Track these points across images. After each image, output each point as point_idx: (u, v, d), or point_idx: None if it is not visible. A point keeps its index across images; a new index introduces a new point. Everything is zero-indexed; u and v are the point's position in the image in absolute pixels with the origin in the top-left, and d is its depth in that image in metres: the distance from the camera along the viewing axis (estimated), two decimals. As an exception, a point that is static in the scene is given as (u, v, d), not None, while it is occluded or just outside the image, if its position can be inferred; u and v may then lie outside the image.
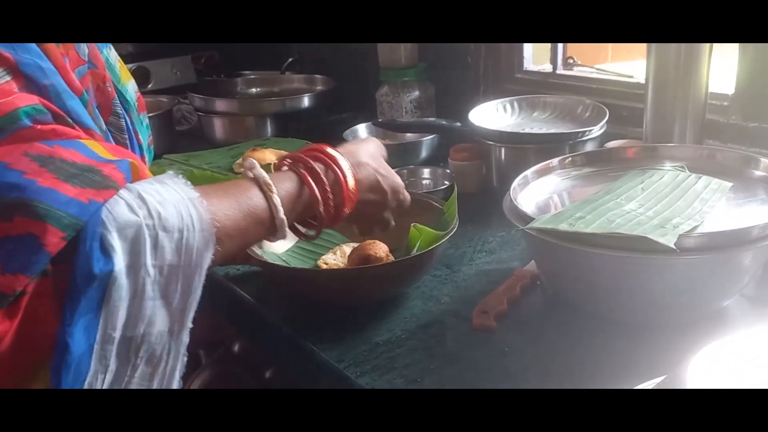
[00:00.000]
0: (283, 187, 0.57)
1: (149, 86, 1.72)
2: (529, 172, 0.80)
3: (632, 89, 1.13)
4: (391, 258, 0.78)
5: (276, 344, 0.78)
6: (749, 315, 0.69)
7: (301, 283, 0.76)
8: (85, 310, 0.42)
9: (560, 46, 1.27)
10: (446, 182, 1.06)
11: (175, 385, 0.50)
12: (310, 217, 0.62)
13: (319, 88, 1.55)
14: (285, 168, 0.61)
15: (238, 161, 1.12)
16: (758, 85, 0.95)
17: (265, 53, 1.81)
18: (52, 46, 0.49)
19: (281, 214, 0.55)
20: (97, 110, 0.55)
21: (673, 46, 0.86)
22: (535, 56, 1.33)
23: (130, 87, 0.63)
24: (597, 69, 1.24)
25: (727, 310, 0.70)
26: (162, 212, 0.46)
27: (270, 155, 1.10)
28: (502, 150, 1.01)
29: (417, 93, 1.33)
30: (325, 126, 1.44)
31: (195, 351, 1.81)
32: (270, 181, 0.56)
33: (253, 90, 1.61)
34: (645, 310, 0.66)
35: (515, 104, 1.12)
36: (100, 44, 0.60)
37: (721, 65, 0.96)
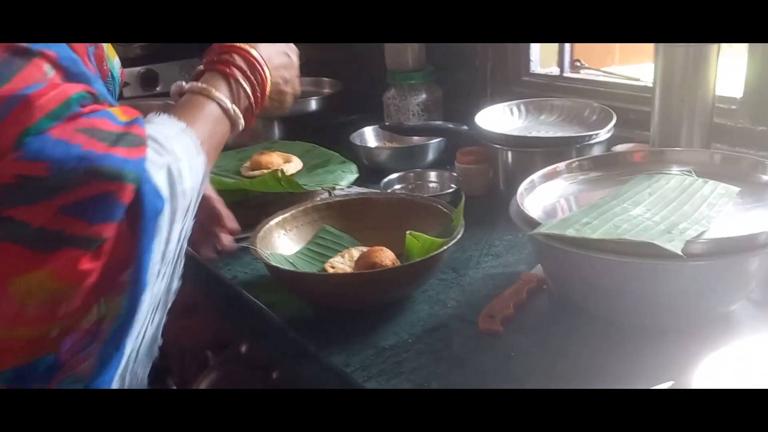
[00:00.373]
0: (220, 86, 0.66)
1: (157, 89, 1.73)
2: (535, 176, 0.80)
3: (639, 92, 1.12)
4: (398, 264, 0.78)
5: (282, 347, 0.79)
6: (756, 320, 0.69)
7: (308, 287, 0.77)
8: (151, 238, 0.54)
9: (567, 48, 1.27)
10: (453, 186, 1.06)
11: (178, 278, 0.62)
12: (245, 109, 0.69)
13: (326, 90, 1.55)
14: (209, 72, 0.68)
15: (245, 164, 1.12)
16: (767, 88, 0.95)
17: (272, 56, 1.81)
18: None
19: (232, 106, 0.65)
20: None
21: (680, 50, 0.86)
22: (542, 59, 1.33)
23: (116, 63, 0.70)
24: (604, 72, 1.24)
25: (733, 314, 0.69)
26: (174, 148, 0.56)
27: (277, 158, 1.11)
28: (509, 153, 1.01)
29: (424, 96, 1.33)
30: (331, 128, 1.44)
31: (202, 352, 1.82)
32: (209, 87, 0.65)
33: (261, 92, 1.62)
34: (651, 315, 0.66)
35: (522, 107, 1.12)
36: None
37: (729, 68, 0.96)
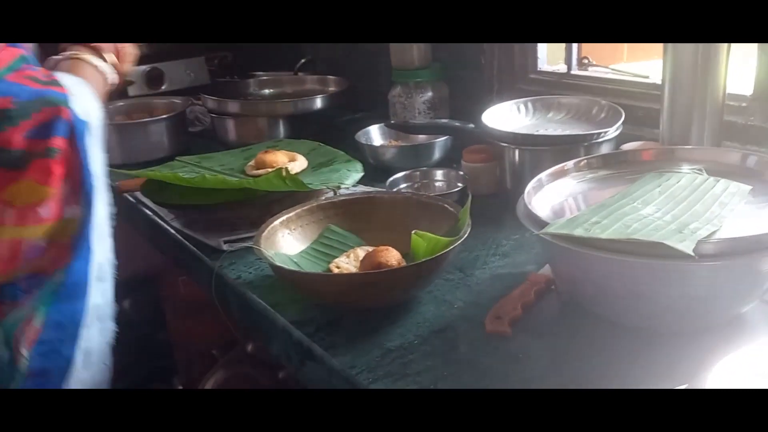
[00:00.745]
0: (86, 52, 0.85)
1: (163, 87, 1.73)
2: (543, 175, 0.79)
3: (648, 90, 1.11)
4: (404, 264, 0.77)
5: (287, 349, 0.78)
6: (769, 321, 0.68)
7: (313, 287, 0.76)
8: (86, 153, 0.73)
9: (575, 45, 1.26)
10: (459, 184, 1.05)
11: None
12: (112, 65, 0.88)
13: (331, 89, 1.54)
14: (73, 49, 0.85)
15: (250, 163, 1.12)
16: (778, 85, 0.93)
17: (277, 54, 1.81)
18: None
19: (99, 62, 0.86)
20: None
21: (690, 46, 0.85)
22: (549, 56, 1.32)
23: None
24: (612, 69, 1.23)
25: (746, 315, 0.68)
26: (82, 91, 0.77)
27: (282, 157, 1.10)
28: (516, 152, 1.00)
29: (430, 94, 1.32)
30: (337, 127, 1.43)
31: (208, 350, 1.82)
32: (78, 53, 0.85)
33: (266, 91, 1.61)
34: (662, 316, 0.65)
35: (529, 105, 1.11)
36: None
37: (740, 65, 0.94)
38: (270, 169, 1.06)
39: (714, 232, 0.61)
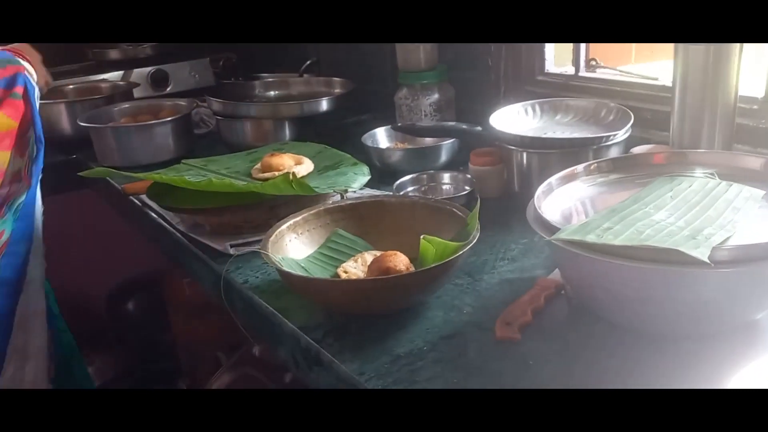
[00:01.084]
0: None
1: (168, 89, 1.72)
2: (553, 179, 0.78)
3: (657, 92, 1.10)
4: (413, 269, 0.76)
5: (295, 354, 0.77)
6: (783, 327, 0.67)
7: (321, 293, 0.75)
8: (34, 106, 1.05)
9: (582, 47, 1.25)
10: (467, 188, 1.04)
11: None
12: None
13: (337, 90, 1.53)
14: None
15: (256, 166, 1.11)
16: (790, 87, 0.92)
17: (282, 55, 1.80)
18: None
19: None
20: None
21: (701, 47, 0.84)
22: (556, 58, 1.31)
23: None
24: (620, 71, 1.22)
25: (760, 322, 0.67)
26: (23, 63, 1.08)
27: (289, 160, 1.09)
28: (524, 155, 0.99)
29: (436, 96, 1.31)
30: (343, 129, 1.43)
31: (213, 352, 1.81)
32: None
33: (271, 93, 1.61)
34: (675, 323, 0.64)
35: (537, 107, 1.10)
36: None
37: (752, 66, 0.93)
38: (276, 173, 1.05)
39: (728, 238, 0.60)
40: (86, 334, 1.47)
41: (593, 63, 1.25)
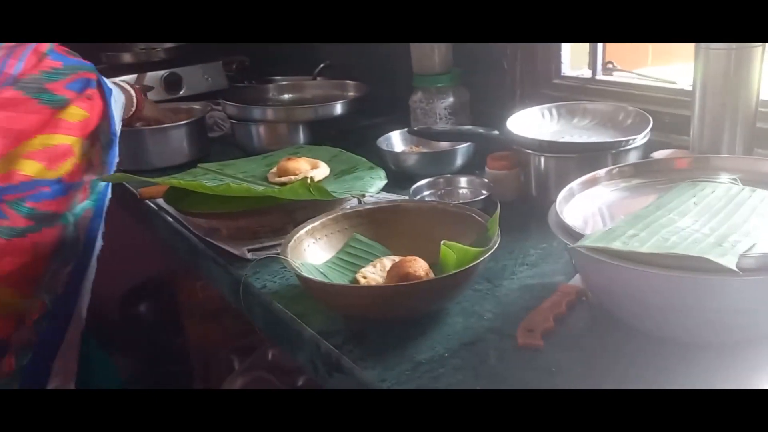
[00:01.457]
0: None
1: (181, 92, 1.72)
2: (574, 184, 0.77)
3: (676, 95, 1.10)
4: (432, 275, 0.76)
5: (315, 359, 0.77)
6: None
7: (341, 299, 0.75)
8: (109, 103, 1.16)
9: (599, 49, 1.24)
10: (484, 192, 1.04)
11: None
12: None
13: (351, 93, 1.53)
14: None
15: (272, 170, 1.11)
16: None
17: (295, 58, 1.80)
18: None
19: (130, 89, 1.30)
20: None
21: (722, 51, 0.83)
22: (572, 61, 1.30)
23: None
24: (637, 74, 1.21)
25: (785, 330, 0.67)
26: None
27: (304, 164, 1.09)
28: (542, 159, 0.98)
29: (451, 99, 1.31)
30: (357, 132, 1.42)
31: (226, 356, 1.81)
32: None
33: (285, 96, 1.60)
34: (701, 331, 0.63)
35: (554, 111, 1.10)
36: None
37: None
38: (293, 177, 1.05)
39: (753, 246, 0.60)
40: (99, 337, 1.47)
41: (610, 66, 1.25)
